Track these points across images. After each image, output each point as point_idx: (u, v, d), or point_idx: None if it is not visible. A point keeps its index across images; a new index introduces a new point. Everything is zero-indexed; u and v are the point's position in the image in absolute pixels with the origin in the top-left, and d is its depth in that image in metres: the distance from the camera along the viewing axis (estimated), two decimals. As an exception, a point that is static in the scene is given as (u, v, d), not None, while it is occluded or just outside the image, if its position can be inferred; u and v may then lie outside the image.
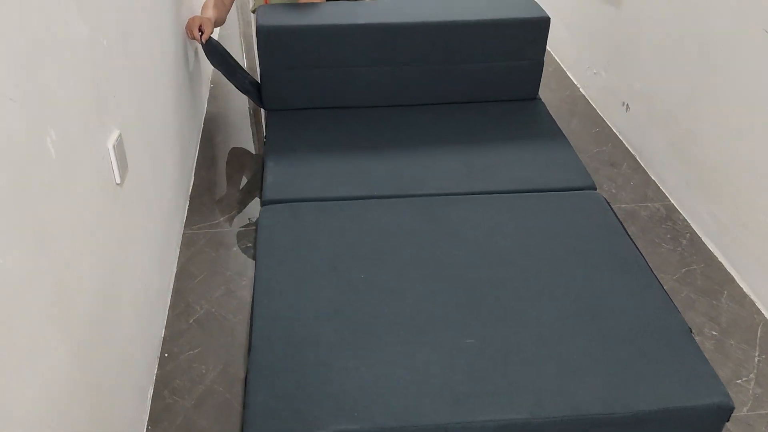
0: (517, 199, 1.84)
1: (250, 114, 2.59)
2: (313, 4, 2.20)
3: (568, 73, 2.92)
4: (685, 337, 1.42)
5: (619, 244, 1.67)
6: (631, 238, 1.70)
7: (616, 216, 1.77)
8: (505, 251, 1.64)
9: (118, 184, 1.25)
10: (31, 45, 0.87)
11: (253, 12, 2.48)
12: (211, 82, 2.79)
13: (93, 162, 1.11)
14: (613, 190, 2.19)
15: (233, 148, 2.37)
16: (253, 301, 1.48)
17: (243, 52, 3.12)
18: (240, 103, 2.65)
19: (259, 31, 2.06)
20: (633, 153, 2.37)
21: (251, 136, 2.45)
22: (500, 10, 2.20)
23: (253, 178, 2.21)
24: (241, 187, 2.16)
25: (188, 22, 2.13)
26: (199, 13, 2.33)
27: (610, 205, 1.82)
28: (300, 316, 1.43)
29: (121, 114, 1.32)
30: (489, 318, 1.45)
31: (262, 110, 2.45)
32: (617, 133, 2.48)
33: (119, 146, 1.26)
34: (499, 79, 2.28)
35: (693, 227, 2.00)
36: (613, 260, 1.61)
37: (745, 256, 1.79)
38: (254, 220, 2.03)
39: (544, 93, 2.77)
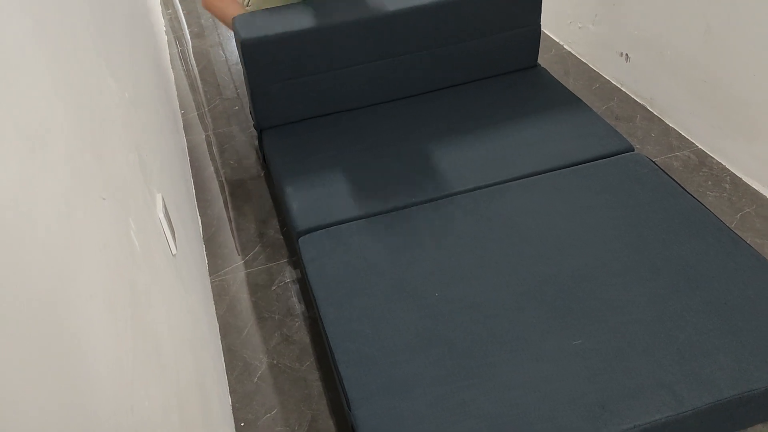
0: (562, 176, 1.73)
1: (235, 136, 2.38)
2: (293, 4, 2.01)
3: (547, 33, 2.83)
4: (790, 290, 1.36)
5: (684, 204, 1.59)
6: (693, 196, 1.62)
7: (668, 175, 1.70)
8: (573, 236, 1.53)
9: (174, 256, 1.07)
10: (98, 124, 0.69)
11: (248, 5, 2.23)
12: (181, 108, 2.56)
13: (158, 242, 0.93)
14: (637, 146, 2.12)
15: (231, 176, 2.17)
16: (330, 348, 1.33)
17: (200, 90, 2.89)
18: (220, 126, 2.44)
19: (244, 45, 1.86)
20: (642, 104, 2.30)
21: (245, 159, 2.25)
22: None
23: (264, 204, 2.03)
24: (254, 218, 1.98)
25: None
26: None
27: (656, 164, 1.74)
28: (391, 355, 1.29)
29: (156, 174, 1.13)
30: (586, 311, 1.35)
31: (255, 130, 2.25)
32: (619, 86, 2.40)
33: (166, 213, 1.07)
34: (498, 53, 2.16)
35: (731, 170, 1.95)
36: (686, 222, 1.54)
37: (797, 189, 1.75)
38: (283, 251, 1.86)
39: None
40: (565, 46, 2.72)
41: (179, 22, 3.35)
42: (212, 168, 2.20)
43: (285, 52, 1.89)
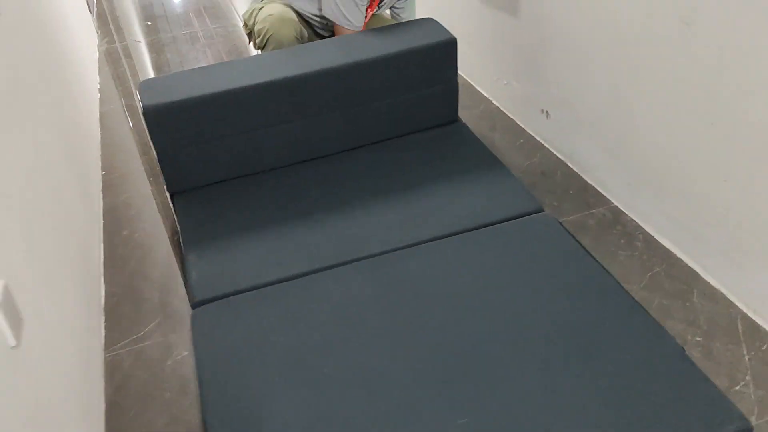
0: (469, 239, 1.70)
1: (155, 197, 2.33)
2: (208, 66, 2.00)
3: (477, 87, 2.85)
4: (682, 361, 1.33)
5: (586, 269, 1.56)
6: (595, 259, 1.60)
7: (572, 236, 1.68)
8: (472, 302, 1.49)
9: (13, 347, 1.01)
10: None
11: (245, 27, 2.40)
12: (103, 169, 2.51)
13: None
14: (555, 203, 2.11)
15: (144, 241, 2.11)
16: (206, 434, 1.26)
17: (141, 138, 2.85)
18: (141, 187, 2.39)
19: (146, 112, 1.83)
20: (563, 160, 2.31)
21: (162, 223, 2.20)
22: (404, 41, 2.08)
23: (173, 272, 1.97)
24: (161, 286, 1.91)
25: None
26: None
27: (562, 226, 1.72)
28: (269, 440, 1.23)
29: (2, 255, 1.07)
30: (479, 383, 1.30)
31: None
32: (543, 142, 2.41)
33: (7, 302, 1.01)
34: (416, 110, 2.15)
35: (644, 227, 1.95)
36: (587, 288, 1.50)
37: (705, 248, 1.74)
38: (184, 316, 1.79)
39: (459, 112, 2.69)
40: (493, 102, 2.74)
41: (118, 78, 3.32)
42: (126, 232, 2.15)
43: (191, 117, 1.86)
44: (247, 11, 2.38)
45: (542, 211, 1.82)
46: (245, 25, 2.41)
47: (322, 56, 2.02)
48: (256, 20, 2.30)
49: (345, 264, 1.67)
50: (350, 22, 2.20)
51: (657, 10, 1.66)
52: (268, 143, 2.02)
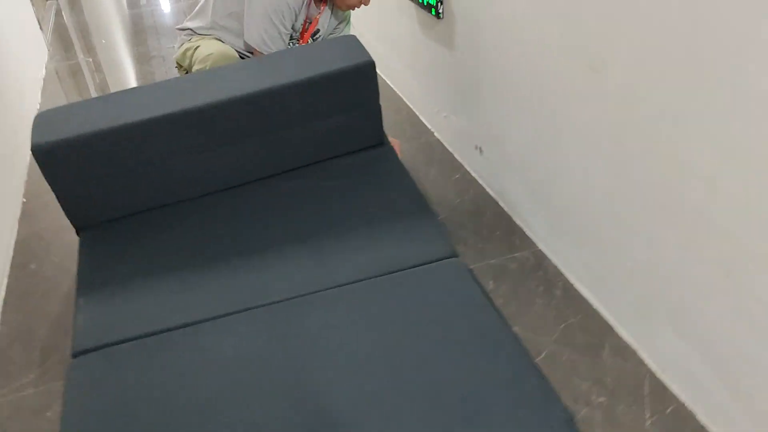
0: (372, 286, 1.62)
1: (70, 229, 2.25)
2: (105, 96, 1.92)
3: (421, 118, 2.79)
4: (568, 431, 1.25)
5: (485, 322, 1.48)
6: (497, 310, 1.52)
7: (480, 285, 1.60)
8: (361, 359, 1.41)
9: None
10: None
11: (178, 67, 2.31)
12: (24, 196, 2.43)
13: None
14: (480, 245, 2.04)
15: (51, 276, 2.02)
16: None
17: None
18: (60, 216, 2.30)
19: (36, 151, 1.71)
20: (494, 198, 2.24)
21: (66, 258, 2.11)
22: (320, 64, 1.97)
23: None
24: (56, 329, 1.82)
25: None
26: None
27: (472, 274, 1.65)
28: None
29: None
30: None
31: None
32: (476, 178, 2.35)
33: None
34: (337, 134, 2.03)
35: (565, 274, 1.87)
36: (482, 344, 1.42)
37: (618, 301, 1.67)
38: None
39: (401, 140, 2.62)
40: (435, 134, 2.67)
41: (78, 94, 3.24)
42: (34, 265, 2.06)
43: (89, 153, 1.77)
44: (178, 52, 2.25)
45: (455, 256, 1.74)
46: (179, 66, 2.29)
47: (234, 82, 1.92)
48: (193, 60, 2.18)
49: (240, 312, 1.58)
50: (270, 49, 2.13)
51: (567, 58, 1.60)
52: (179, 175, 1.92)
